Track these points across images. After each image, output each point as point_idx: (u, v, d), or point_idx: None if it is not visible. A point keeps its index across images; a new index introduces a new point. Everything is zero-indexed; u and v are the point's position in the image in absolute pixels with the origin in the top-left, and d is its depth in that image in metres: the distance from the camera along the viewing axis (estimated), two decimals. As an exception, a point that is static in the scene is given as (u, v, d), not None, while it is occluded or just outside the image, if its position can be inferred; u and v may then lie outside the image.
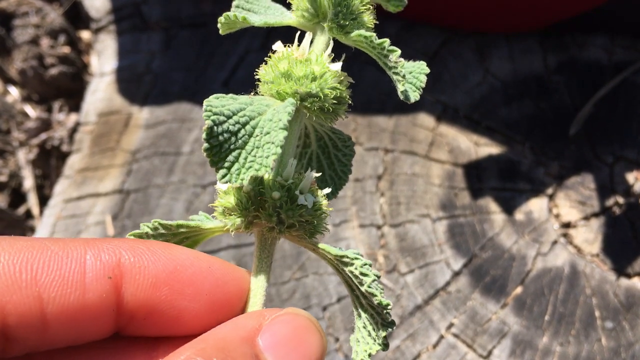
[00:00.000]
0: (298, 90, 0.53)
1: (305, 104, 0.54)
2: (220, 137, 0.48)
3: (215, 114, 0.47)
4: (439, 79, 1.35)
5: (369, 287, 0.51)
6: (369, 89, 1.34)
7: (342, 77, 0.56)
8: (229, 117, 0.48)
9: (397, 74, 0.53)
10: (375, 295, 0.50)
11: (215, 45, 1.43)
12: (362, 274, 0.51)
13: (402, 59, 0.55)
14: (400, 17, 1.41)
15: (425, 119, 1.30)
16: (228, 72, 1.39)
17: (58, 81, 1.48)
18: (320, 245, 0.53)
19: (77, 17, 1.62)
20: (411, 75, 0.55)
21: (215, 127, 0.47)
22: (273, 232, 0.53)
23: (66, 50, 1.53)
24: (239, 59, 1.40)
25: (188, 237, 0.57)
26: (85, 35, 1.61)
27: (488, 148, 1.26)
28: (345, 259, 0.51)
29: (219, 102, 0.49)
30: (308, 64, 0.54)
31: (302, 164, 0.62)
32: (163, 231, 0.55)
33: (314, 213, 0.53)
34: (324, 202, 0.55)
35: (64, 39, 1.55)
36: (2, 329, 0.45)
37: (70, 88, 1.50)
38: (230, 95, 0.51)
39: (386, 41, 0.54)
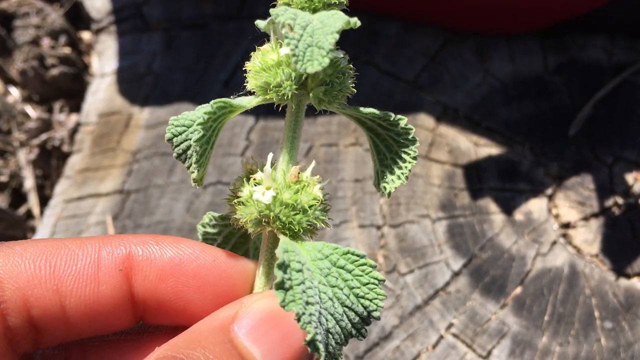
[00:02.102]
0: (258, 84, 0.53)
1: (267, 96, 0.53)
2: (183, 145, 0.53)
3: (176, 126, 0.52)
4: (439, 80, 1.35)
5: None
6: (369, 90, 1.34)
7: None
8: (189, 126, 0.52)
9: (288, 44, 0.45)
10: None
11: (216, 46, 1.43)
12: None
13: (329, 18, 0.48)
14: (401, 17, 1.41)
15: (425, 120, 1.30)
16: (229, 73, 1.39)
17: (59, 82, 1.48)
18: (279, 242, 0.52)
19: (78, 18, 1.62)
20: (320, 36, 0.46)
21: (174, 138, 0.53)
22: (259, 227, 0.54)
23: (67, 50, 1.53)
24: (239, 60, 1.40)
25: (237, 229, 0.58)
26: (86, 35, 1.61)
27: (488, 149, 1.26)
28: None
29: (189, 114, 0.53)
30: (266, 54, 0.53)
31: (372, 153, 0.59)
32: (215, 222, 0.58)
33: (276, 208, 0.52)
34: (300, 197, 0.52)
35: (64, 40, 1.55)
36: (30, 320, 0.50)
37: (71, 88, 1.50)
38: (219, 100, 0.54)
39: (277, 13, 0.47)
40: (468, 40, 1.39)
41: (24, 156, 1.43)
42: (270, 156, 0.54)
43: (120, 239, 0.54)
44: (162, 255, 0.53)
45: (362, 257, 0.51)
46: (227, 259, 0.55)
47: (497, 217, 1.19)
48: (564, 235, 1.17)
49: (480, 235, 1.17)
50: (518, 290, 1.12)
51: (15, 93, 1.54)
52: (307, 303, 0.46)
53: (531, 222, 1.18)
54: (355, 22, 0.47)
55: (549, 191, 1.21)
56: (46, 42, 1.53)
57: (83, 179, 1.29)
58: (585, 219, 1.18)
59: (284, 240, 0.50)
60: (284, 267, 0.46)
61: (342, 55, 0.52)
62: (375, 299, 0.50)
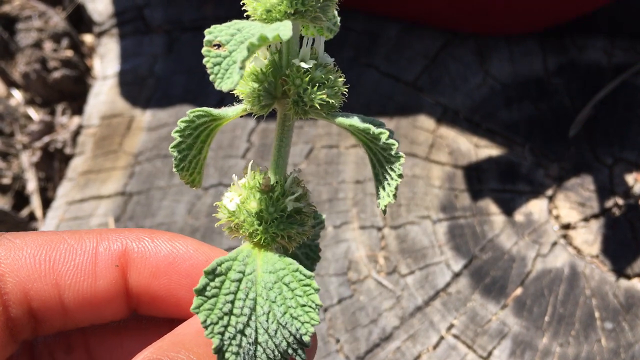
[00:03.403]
0: (239, 92, 0.54)
1: (247, 106, 0.54)
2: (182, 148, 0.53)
3: (176, 131, 0.52)
4: (439, 81, 1.35)
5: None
6: (369, 91, 1.35)
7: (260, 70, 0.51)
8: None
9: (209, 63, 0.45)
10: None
11: (217, 48, 1.44)
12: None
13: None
14: (401, 19, 1.42)
15: (426, 121, 1.30)
16: (230, 75, 1.40)
17: (61, 84, 1.49)
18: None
19: (80, 21, 1.63)
20: (234, 54, 0.45)
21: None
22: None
23: (69, 53, 1.54)
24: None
25: None
26: (88, 38, 1.62)
27: (488, 150, 1.27)
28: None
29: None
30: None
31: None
32: None
33: (240, 215, 0.53)
34: (267, 207, 0.52)
35: (67, 43, 1.56)
36: (30, 311, 0.52)
37: (73, 91, 1.51)
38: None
39: (209, 32, 0.46)
40: (468, 42, 1.40)
41: (26, 158, 1.44)
42: (250, 163, 0.55)
43: (117, 234, 0.56)
44: (156, 253, 0.55)
45: (309, 277, 0.49)
46: None
47: (498, 218, 1.19)
48: (564, 236, 1.18)
49: (480, 236, 1.17)
50: (518, 291, 1.12)
51: (17, 96, 1.55)
52: (230, 313, 0.47)
53: (531, 223, 1.18)
54: (276, 36, 0.43)
55: (549, 192, 1.22)
56: (48, 45, 1.54)
57: (85, 181, 1.30)
58: (586, 219, 1.18)
59: (240, 249, 0.51)
60: (212, 274, 0.47)
61: (310, 65, 0.50)
62: (307, 322, 0.48)
